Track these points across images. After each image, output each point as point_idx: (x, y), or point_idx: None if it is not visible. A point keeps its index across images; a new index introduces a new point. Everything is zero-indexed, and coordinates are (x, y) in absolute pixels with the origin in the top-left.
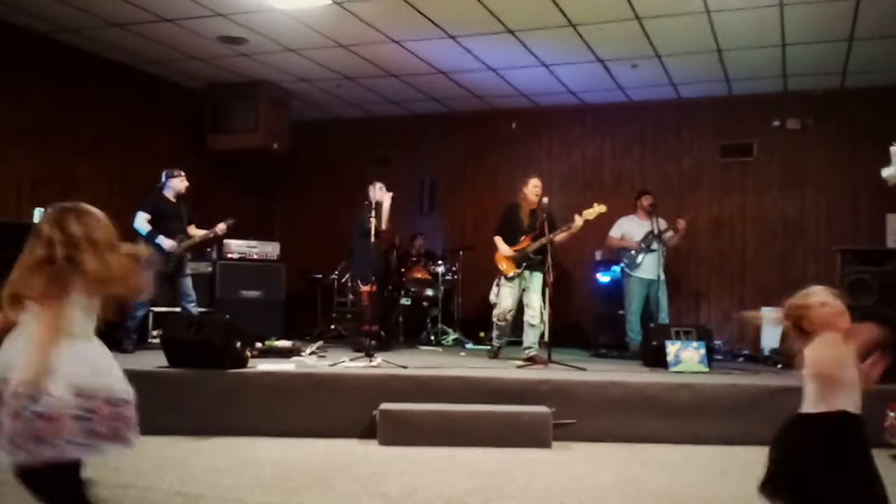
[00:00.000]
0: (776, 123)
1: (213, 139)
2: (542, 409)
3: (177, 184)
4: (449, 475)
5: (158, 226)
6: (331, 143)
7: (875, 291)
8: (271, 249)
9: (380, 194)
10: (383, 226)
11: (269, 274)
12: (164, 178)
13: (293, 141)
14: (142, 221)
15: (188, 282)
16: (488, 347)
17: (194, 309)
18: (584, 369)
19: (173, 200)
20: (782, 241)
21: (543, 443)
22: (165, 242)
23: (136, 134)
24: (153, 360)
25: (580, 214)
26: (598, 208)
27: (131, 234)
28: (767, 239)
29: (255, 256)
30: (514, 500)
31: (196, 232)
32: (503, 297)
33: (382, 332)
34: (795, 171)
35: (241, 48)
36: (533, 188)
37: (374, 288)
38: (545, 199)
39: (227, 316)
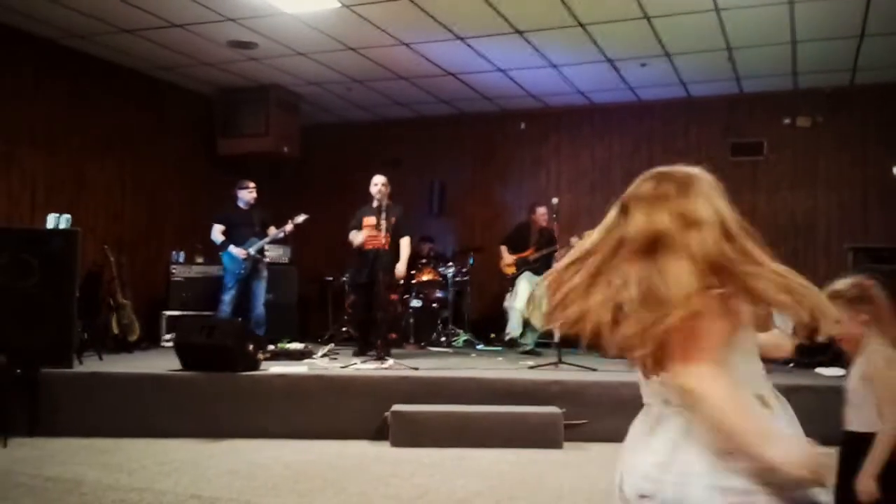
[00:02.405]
0: (787, 121)
1: (222, 143)
2: (552, 409)
3: (244, 195)
4: (460, 476)
5: (231, 234)
6: (341, 146)
7: (887, 289)
8: (283, 253)
9: (374, 190)
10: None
11: (280, 277)
12: (235, 190)
13: (303, 144)
14: (216, 233)
15: (262, 284)
16: (499, 348)
17: (263, 310)
18: (594, 370)
19: (245, 209)
20: (793, 240)
21: (554, 443)
22: (235, 251)
23: (146, 138)
24: (166, 364)
25: (578, 237)
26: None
27: (144, 237)
28: (778, 237)
29: (267, 260)
30: (526, 502)
31: (270, 232)
32: (524, 291)
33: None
34: (806, 169)
35: (251, 52)
36: (541, 215)
37: (353, 296)
38: (555, 200)
39: (240, 319)
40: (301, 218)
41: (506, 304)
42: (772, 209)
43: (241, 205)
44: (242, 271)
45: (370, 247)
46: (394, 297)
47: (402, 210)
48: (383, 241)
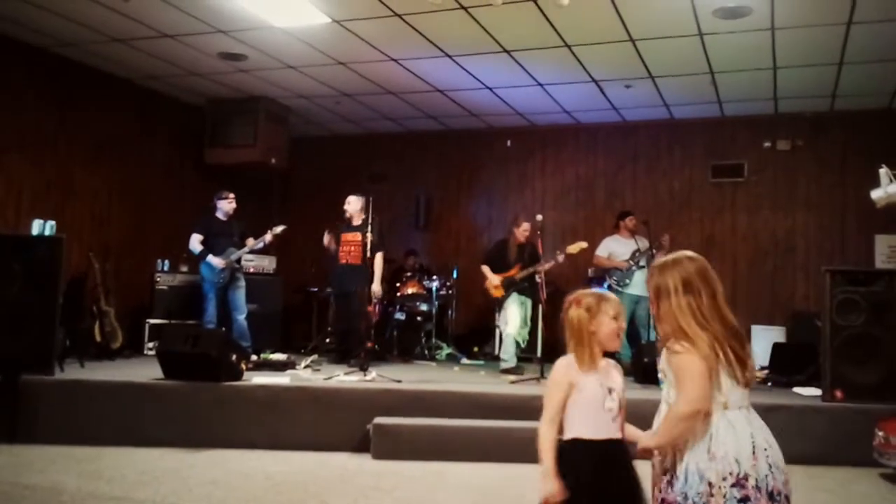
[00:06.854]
0: (767, 145)
1: (211, 153)
2: (534, 424)
3: (224, 205)
4: (441, 490)
5: (209, 244)
6: (328, 158)
7: (864, 311)
8: (268, 263)
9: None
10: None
11: (265, 287)
12: (214, 201)
13: (291, 156)
14: (194, 242)
15: (240, 294)
16: (481, 362)
17: (244, 321)
18: None
19: (224, 220)
20: (772, 261)
21: (535, 458)
22: (214, 260)
23: (134, 146)
24: (149, 372)
25: (563, 251)
26: (580, 244)
27: (130, 245)
28: (758, 258)
29: (252, 270)
30: None
31: (248, 242)
32: (515, 316)
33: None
34: (786, 192)
35: (240, 64)
36: (523, 231)
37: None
38: (539, 217)
39: (223, 329)
40: (279, 228)
41: (497, 323)
42: (752, 230)
43: (219, 215)
44: (220, 281)
45: (345, 261)
46: (370, 307)
47: (378, 225)
48: (358, 255)
